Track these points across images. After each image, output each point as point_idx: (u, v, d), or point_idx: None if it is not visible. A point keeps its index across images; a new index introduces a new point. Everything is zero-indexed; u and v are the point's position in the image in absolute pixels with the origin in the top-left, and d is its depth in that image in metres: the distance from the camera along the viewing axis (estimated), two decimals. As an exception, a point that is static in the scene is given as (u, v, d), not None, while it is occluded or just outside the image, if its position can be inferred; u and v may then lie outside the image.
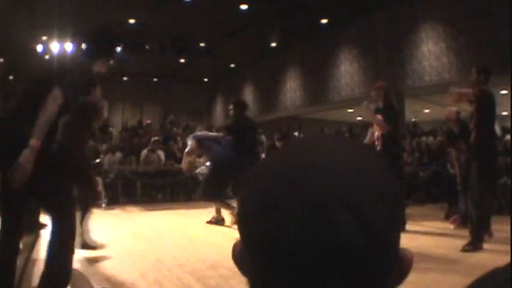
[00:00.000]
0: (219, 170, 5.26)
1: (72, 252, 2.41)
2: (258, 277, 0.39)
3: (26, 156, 2.09)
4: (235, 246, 0.43)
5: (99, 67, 2.63)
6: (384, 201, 0.37)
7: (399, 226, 0.40)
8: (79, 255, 3.88)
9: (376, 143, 4.95)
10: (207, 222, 5.67)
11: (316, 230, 0.34)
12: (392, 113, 4.93)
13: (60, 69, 2.61)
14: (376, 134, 5.00)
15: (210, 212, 5.77)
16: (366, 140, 5.29)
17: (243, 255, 0.41)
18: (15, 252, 2.30)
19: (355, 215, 0.35)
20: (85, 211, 4.08)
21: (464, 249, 3.84)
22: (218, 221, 5.61)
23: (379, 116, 4.84)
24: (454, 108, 5.24)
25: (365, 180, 0.37)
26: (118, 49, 2.97)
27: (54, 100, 2.22)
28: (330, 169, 0.37)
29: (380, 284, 0.37)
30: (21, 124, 2.24)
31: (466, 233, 4.08)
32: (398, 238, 0.39)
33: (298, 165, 0.37)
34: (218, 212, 5.64)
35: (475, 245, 3.87)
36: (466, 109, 4.25)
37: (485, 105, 4.01)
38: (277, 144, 9.58)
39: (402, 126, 9.58)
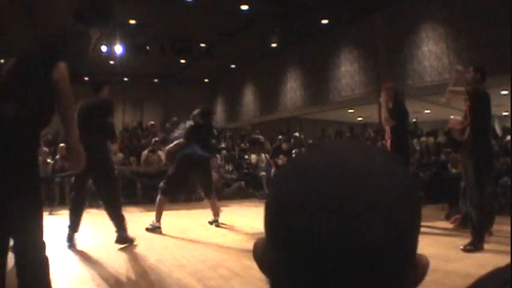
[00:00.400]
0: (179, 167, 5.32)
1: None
2: (283, 275, 0.39)
3: (80, 149, 2.12)
4: (256, 244, 0.44)
5: (94, 34, 2.45)
6: (406, 204, 0.39)
7: (417, 229, 0.41)
8: (79, 256, 3.88)
9: (387, 142, 5.08)
10: (209, 223, 5.72)
11: (347, 230, 0.35)
12: (399, 110, 5.03)
13: (59, 40, 2.24)
14: (387, 132, 5.13)
15: (211, 213, 5.78)
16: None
17: (265, 254, 0.42)
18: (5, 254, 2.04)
19: (383, 217, 0.36)
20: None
21: (466, 249, 3.84)
22: (214, 221, 5.71)
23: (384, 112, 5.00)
24: (458, 118, 5.26)
25: (390, 184, 0.38)
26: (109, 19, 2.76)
27: (64, 80, 2.01)
28: (359, 172, 0.38)
29: (397, 286, 0.38)
30: (4, 104, 1.91)
31: (466, 233, 4.08)
32: (416, 241, 0.40)
33: (329, 167, 0.39)
34: (216, 213, 5.70)
35: (475, 245, 3.87)
36: (461, 108, 4.24)
37: (479, 103, 3.99)
38: (283, 145, 9.58)
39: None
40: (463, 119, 4.14)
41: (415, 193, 0.41)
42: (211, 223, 5.70)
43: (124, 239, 4.18)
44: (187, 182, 6.37)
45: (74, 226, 4.26)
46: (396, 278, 0.38)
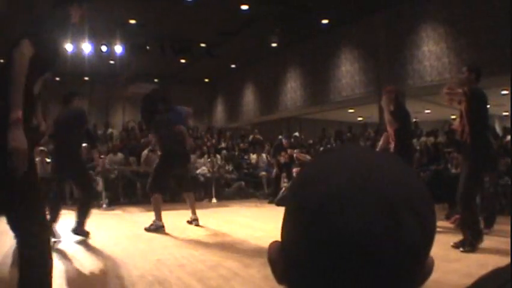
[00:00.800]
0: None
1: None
2: (317, 273, 0.39)
3: (14, 136, 1.74)
4: (271, 247, 0.45)
5: (75, 12, 2.37)
6: (432, 207, 0.41)
7: (435, 230, 0.43)
8: (79, 256, 3.89)
9: (390, 145, 5.14)
10: (188, 222, 5.68)
11: (388, 228, 0.37)
12: (401, 113, 5.10)
13: (33, 23, 2.20)
14: (390, 137, 5.17)
15: (211, 213, 5.77)
16: (381, 143, 5.43)
17: (279, 257, 0.43)
18: None
19: (417, 217, 0.38)
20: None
21: (466, 250, 3.82)
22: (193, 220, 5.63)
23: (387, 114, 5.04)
24: None
25: (418, 187, 0.41)
26: None
27: (21, 53, 1.85)
28: (394, 175, 0.40)
29: (413, 282, 0.41)
30: None
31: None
32: (430, 246, 0.42)
33: (367, 169, 0.40)
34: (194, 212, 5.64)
35: (471, 244, 3.85)
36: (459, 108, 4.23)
37: (475, 103, 3.97)
38: (284, 142, 9.57)
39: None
40: (459, 119, 4.13)
41: (431, 198, 0.43)
42: (190, 222, 5.66)
43: (81, 232, 4.61)
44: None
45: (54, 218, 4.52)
46: (415, 276, 0.40)
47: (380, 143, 5.56)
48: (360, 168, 0.40)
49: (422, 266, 0.41)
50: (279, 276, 0.44)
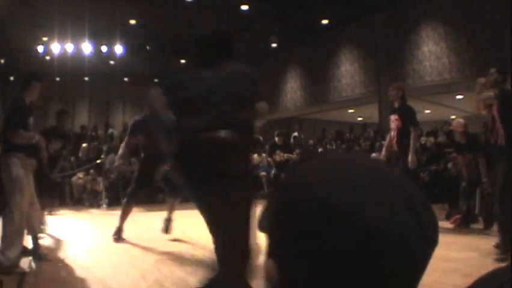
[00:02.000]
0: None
1: None
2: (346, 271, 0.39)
3: None
4: (269, 265, 0.43)
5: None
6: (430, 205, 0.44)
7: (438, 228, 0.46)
8: (79, 256, 3.88)
9: (393, 141, 5.14)
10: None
11: (411, 219, 0.39)
12: (412, 112, 5.11)
13: None
14: (393, 133, 5.16)
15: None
16: (386, 143, 5.45)
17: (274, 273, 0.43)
18: None
19: (429, 211, 0.42)
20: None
21: (500, 259, 3.53)
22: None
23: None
24: (461, 120, 5.26)
25: (417, 188, 0.44)
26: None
27: None
28: (401, 175, 0.43)
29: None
30: None
31: (466, 232, 4.06)
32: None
33: (379, 169, 0.43)
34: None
35: (504, 249, 3.61)
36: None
37: (508, 104, 3.81)
38: (277, 140, 9.59)
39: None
40: (491, 122, 3.95)
41: None
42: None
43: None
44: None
45: None
46: (421, 275, 0.42)
47: (385, 142, 5.53)
48: (373, 168, 0.42)
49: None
50: None
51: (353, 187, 0.39)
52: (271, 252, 0.44)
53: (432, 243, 0.41)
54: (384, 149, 5.46)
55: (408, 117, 5.03)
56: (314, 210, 0.39)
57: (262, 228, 0.46)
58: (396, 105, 5.16)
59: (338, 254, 0.38)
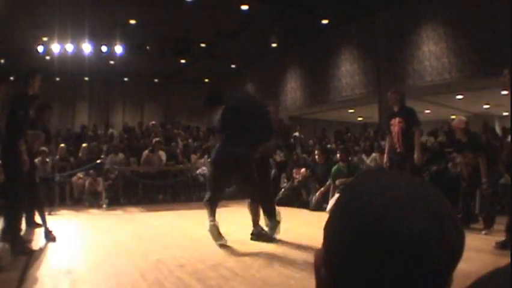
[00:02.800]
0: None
1: None
2: (368, 278, 0.44)
3: None
4: (317, 255, 0.50)
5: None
6: (459, 222, 0.47)
7: (464, 243, 0.48)
8: (79, 256, 3.89)
9: (396, 144, 5.24)
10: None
11: (436, 232, 0.43)
12: (414, 112, 5.27)
13: None
14: (395, 136, 5.26)
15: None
16: (387, 148, 5.52)
17: (323, 265, 0.48)
18: None
19: (455, 224, 0.45)
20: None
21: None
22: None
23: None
24: (463, 118, 5.27)
25: (448, 203, 0.48)
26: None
27: None
28: (432, 191, 0.47)
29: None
30: None
31: (466, 233, 4.03)
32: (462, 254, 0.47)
33: (412, 185, 0.47)
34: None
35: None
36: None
37: None
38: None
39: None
40: None
41: None
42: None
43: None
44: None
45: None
46: (443, 286, 0.45)
47: (386, 144, 5.60)
48: (408, 184, 0.47)
49: (450, 278, 0.46)
50: (321, 283, 0.49)
51: (391, 200, 0.45)
52: (324, 245, 0.49)
53: (454, 256, 0.44)
54: (386, 153, 5.52)
55: (411, 118, 5.20)
56: (355, 215, 0.45)
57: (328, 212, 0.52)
58: (396, 109, 5.31)
59: (363, 256, 0.44)
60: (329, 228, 0.48)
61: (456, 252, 0.44)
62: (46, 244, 4.30)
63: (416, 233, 0.42)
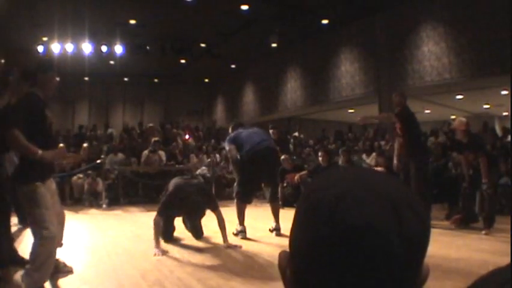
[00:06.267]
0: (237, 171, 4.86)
1: None
2: (327, 271, 0.42)
3: None
4: (281, 256, 0.50)
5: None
6: (423, 208, 0.46)
7: (429, 232, 0.47)
8: (79, 256, 3.89)
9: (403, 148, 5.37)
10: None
11: (392, 222, 0.42)
12: (413, 117, 5.38)
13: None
14: (401, 139, 5.40)
15: (211, 213, 5.76)
16: (396, 151, 5.58)
17: (287, 265, 0.48)
18: None
19: (415, 214, 0.44)
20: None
21: None
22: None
23: None
24: (464, 119, 5.28)
25: (411, 192, 0.47)
26: None
27: None
28: (391, 182, 0.46)
29: (412, 283, 0.45)
30: None
31: (466, 233, 4.07)
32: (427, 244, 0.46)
33: (370, 176, 0.47)
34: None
35: None
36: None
37: None
38: (271, 133, 9.58)
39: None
40: None
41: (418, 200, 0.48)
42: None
43: None
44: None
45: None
46: (412, 278, 0.44)
47: (395, 151, 5.66)
48: (364, 176, 0.47)
49: (419, 269, 0.44)
50: (288, 284, 0.49)
51: (344, 190, 0.44)
52: (289, 246, 0.49)
53: (416, 245, 0.43)
54: (395, 158, 5.57)
55: (411, 121, 5.33)
56: (312, 207, 0.45)
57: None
58: (397, 110, 5.40)
59: (320, 248, 0.43)
60: (291, 229, 0.48)
61: (418, 242, 0.43)
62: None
63: (370, 223, 0.41)
